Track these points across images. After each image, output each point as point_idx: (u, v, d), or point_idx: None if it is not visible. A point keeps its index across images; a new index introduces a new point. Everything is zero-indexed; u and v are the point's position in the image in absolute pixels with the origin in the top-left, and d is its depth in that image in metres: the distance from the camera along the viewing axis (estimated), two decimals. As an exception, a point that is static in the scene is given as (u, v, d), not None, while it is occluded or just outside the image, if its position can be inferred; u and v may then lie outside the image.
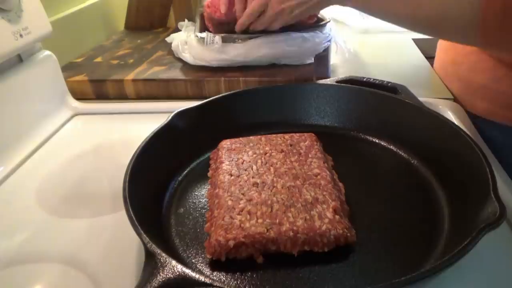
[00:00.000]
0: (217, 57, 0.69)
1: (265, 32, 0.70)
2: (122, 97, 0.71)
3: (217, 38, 0.68)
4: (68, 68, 0.76)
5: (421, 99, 0.54)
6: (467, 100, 0.64)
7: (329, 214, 0.37)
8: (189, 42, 0.71)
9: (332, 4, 0.64)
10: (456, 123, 0.50)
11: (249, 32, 0.70)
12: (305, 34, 0.71)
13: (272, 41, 0.69)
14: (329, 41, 0.75)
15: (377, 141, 0.53)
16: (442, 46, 0.74)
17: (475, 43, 0.49)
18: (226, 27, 0.72)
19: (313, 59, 0.72)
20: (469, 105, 0.63)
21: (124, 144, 0.57)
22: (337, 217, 0.37)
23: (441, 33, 0.57)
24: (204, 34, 0.69)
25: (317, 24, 0.75)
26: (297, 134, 0.50)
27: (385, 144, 0.52)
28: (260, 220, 0.37)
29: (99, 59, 0.80)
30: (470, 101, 0.63)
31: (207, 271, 0.36)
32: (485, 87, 0.61)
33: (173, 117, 0.50)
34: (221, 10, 0.69)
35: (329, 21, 0.76)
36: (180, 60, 0.75)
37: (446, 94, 0.67)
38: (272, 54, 0.70)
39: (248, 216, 0.37)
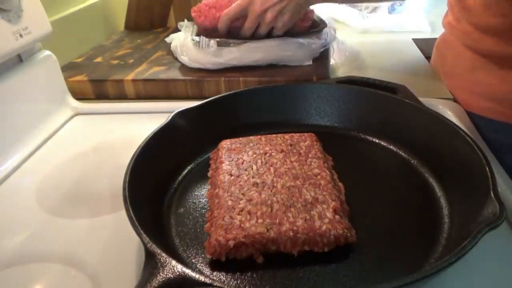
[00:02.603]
0: (212, 61, 0.69)
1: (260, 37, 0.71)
2: (122, 97, 0.71)
3: (212, 42, 0.68)
4: (68, 68, 0.76)
5: (421, 99, 0.54)
6: (452, 92, 0.66)
7: (329, 214, 0.37)
8: (185, 44, 0.72)
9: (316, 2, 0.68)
10: (456, 123, 0.50)
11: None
12: (301, 40, 0.70)
13: (267, 45, 0.69)
14: (326, 46, 0.75)
15: (377, 141, 0.53)
16: (436, 44, 0.76)
17: None
18: (215, 34, 0.73)
19: (311, 61, 0.72)
20: (455, 98, 0.65)
21: (124, 144, 0.57)
22: (337, 217, 0.37)
23: None
24: (199, 38, 0.69)
25: (314, 29, 0.75)
26: (297, 134, 0.50)
27: (385, 144, 0.52)
28: (260, 220, 0.37)
29: (99, 59, 0.80)
30: (454, 93, 0.66)
31: (207, 271, 0.36)
32: (463, 78, 0.64)
33: (173, 117, 0.50)
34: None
35: (325, 27, 0.76)
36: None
37: (446, 94, 0.67)
38: (267, 58, 0.70)
39: (248, 216, 0.37)
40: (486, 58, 0.60)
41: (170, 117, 0.49)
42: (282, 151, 0.46)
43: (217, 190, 0.42)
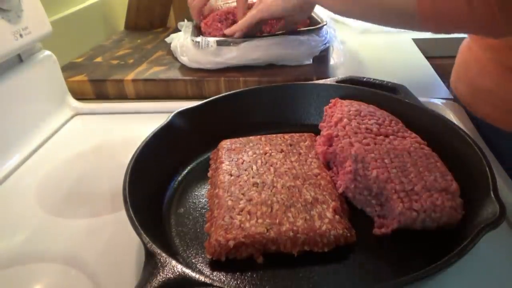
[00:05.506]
0: (211, 60, 0.69)
1: (260, 35, 0.71)
2: (122, 97, 0.71)
3: (212, 41, 0.68)
4: (68, 68, 0.76)
5: (421, 99, 0.54)
6: (474, 104, 0.63)
7: (329, 214, 0.37)
8: (185, 45, 0.72)
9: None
10: (456, 123, 0.50)
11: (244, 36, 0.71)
12: (301, 37, 0.71)
13: (267, 44, 0.69)
14: (326, 44, 0.75)
15: (377, 141, 0.53)
16: (460, 49, 0.73)
17: (417, 25, 0.52)
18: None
19: (311, 60, 0.72)
20: (475, 109, 0.63)
21: (124, 144, 0.57)
22: (337, 217, 0.37)
23: (387, 20, 0.57)
24: (199, 38, 0.69)
25: (313, 27, 0.75)
26: (297, 134, 0.50)
27: (385, 144, 0.52)
28: (260, 220, 0.37)
29: (99, 59, 0.80)
30: (476, 105, 0.63)
31: (207, 271, 0.36)
32: (490, 91, 0.61)
33: (173, 117, 0.50)
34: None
35: (325, 24, 0.76)
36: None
37: (446, 94, 0.67)
38: (267, 56, 0.70)
39: (248, 216, 0.37)
40: None
41: (170, 117, 0.49)
42: (282, 151, 0.47)
43: (217, 190, 0.42)
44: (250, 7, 0.75)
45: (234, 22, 0.75)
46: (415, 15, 0.47)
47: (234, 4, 0.79)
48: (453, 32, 0.52)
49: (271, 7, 0.68)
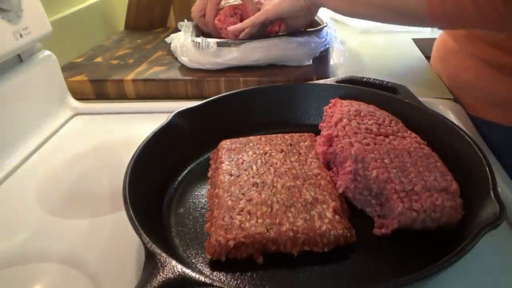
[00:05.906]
0: (212, 61, 0.69)
1: (261, 36, 0.71)
2: (122, 97, 0.71)
3: (212, 42, 0.68)
4: (68, 68, 0.76)
5: (421, 99, 0.54)
6: (455, 96, 0.65)
7: (329, 214, 0.37)
8: (185, 45, 0.72)
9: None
10: (456, 123, 0.50)
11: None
12: (301, 39, 0.71)
13: (267, 45, 0.69)
14: (326, 45, 0.75)
15: (377, 141, 0.53)
16: (436, 44, 0.75)
17: (428, 24, 0.55)
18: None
19: (311, 61, 0.72)
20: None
21: (124, 144, 0.57)
22: (337, 217, 0.37)
23: (397, 20, 0.61)
24: (199, 39, 0.69)
25: (313, 28, 0.75)
26: (297, 134, 0.50)
27: (385, 144, 0.52)
28: (260, 220, 0.37)
29: (99, 59, 0.80)
30: (457, 97, 0.65)
31: (207, 271, 0.36)
32: (469, 84, 0.63)
33: (173, 117, 0.50)
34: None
35: (325, 26, 0.76)
36: (180, 60, 0.75)
37: (446, 94, 0.67)
38: (267, 58, 0.70)
39: (248, 216, 0.37)
40: (492, 66, 0.60)
41: (170, 117, 0.49)
42: (282, 151, 0.47)
43: (217, 190, 0.42)
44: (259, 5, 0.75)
45: (242, 16, 0.75)
46: (426, 17, 0.49)
47: (236, 2, 0.79)
48: (464, 28, 0.53)
49: (276, 8, 0.68)
